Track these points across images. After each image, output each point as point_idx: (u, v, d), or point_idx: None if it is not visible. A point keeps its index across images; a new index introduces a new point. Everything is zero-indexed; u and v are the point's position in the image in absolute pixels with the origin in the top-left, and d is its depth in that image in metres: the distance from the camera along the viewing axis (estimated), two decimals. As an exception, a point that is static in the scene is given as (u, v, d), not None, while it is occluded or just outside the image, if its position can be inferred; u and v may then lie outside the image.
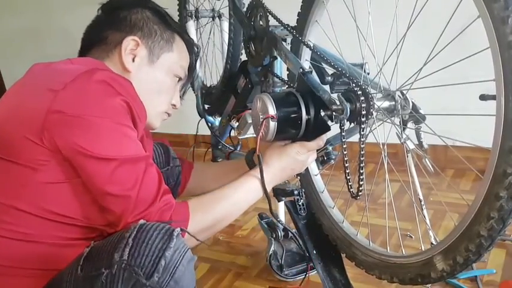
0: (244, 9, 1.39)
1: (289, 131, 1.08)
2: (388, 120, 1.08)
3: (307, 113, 1.05)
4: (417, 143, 1.08)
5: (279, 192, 1.36)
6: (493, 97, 0.82)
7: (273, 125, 1.05)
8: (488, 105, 0.89)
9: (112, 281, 0.84)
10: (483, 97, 0.89)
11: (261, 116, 1.08)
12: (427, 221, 1.04)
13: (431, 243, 1.00)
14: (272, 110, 1.05)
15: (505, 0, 0.77)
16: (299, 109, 1.05)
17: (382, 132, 1.09)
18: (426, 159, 1.07)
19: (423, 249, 1.01)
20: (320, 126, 1.06)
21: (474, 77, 0.93)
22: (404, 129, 1.07)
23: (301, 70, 1.09)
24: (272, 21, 1.26)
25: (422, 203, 1.09)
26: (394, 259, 1.08)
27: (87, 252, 0.92)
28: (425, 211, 1.06)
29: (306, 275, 1.49)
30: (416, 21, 0.99)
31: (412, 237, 1.72)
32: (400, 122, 1.08)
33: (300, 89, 1.09)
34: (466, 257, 0.88)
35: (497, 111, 0.80)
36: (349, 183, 1.02)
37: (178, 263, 0.85)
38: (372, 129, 1.07)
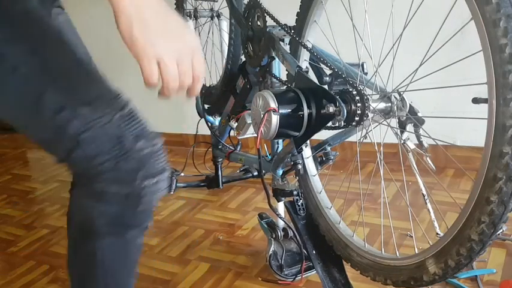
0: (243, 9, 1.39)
1: (291, 124, 1.07)
2: (384, 122, 1.07)
3: (308, 106, 1.04)
4: (417, 142, 1.08)
5: (279, 192, 1.36)
6: (486, 100, 0.81)
7: (275, 118, 1.04)
8: (486, 107, 0.87)
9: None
10: (476, 100, 0.89)
11: (262, 113, 1.07)
12: (431, 213, 1.04)
13: (437, 234, 1.00)
14: (273, 103, 1.04)
15: (497, 2, 0.76)
16: (300, 103, 1.04)
17: (381, 132, 1.08)
18: (427, 158, 1.06)
19: (416, 252, 1.01)
20: (322, 120, 1.05)
21: (473, 78, 0.92)
22: (402, 132, 1.06)
23: (297, 69, 1.09)
24: (270, 22, 1.26)
25: (426, 197, 1.09)
26: (388, 261, 1.08)
27: None
28: (428, 205, 1.06)
29: (301, 276, 1.49)
30: (415, 21, 0.98)
31: (412, 236, 1.71)
32: (396, 123, 1.07)
33: (299, 86, 1.09)
34: (457, 261, 0.88)
35: (489, 115, 0.80)
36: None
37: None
38: (368, 131, 1.07)
